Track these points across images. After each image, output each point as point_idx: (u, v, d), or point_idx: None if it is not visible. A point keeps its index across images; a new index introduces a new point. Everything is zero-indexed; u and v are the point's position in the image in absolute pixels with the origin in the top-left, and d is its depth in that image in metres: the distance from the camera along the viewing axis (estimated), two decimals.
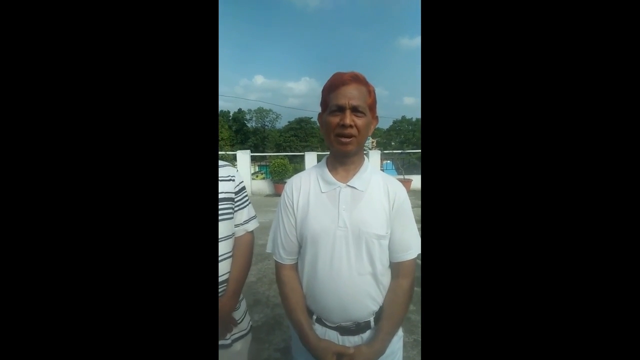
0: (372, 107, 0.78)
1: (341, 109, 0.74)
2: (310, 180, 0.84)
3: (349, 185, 0.79)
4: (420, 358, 1.71)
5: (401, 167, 8.66)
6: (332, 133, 0.76)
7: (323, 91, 0.80)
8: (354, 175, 0.80)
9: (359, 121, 0.75)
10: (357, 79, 0.75)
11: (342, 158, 0.80)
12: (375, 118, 0.82)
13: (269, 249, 0.88)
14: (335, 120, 0.75)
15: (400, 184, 0.84)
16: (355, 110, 0.74)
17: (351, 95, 0.73)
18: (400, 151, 8.73)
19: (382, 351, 0.75)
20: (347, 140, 0.75)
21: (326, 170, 0.82)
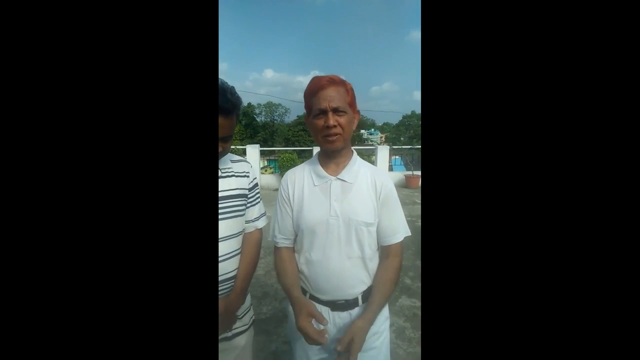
0: (352, 104, 0.85)
1: (323, 112, 0.81)
2: (304, 175, 0.92)
3: (338, 178, 0.87)
4: None
5: (410, 163, 8.57)
6: (319, 134, 0.84)
7: (305, 97, 0.86)
8: (343, 168, 0.88)
9: (342, 120, 0.81)
10: (334, 82, 0.81)
11: (331, 153, 0.88)
12: (357, 112, 0.89)
13: (270, 237, 0.95)
14: (320, 122, 0.82)
15: (386, 175, 0.91)
16: (336, 111, 0.80)
17: (330, 97, 0.80)
18: (409, 147, 8.63)
19: (373, 320, 0.82)
20: (334, 138, 0.82)
21: (318, 165, 0.90)
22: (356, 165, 0.89)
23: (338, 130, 0.81)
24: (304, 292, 0.90)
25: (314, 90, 0.82)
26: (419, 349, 1.80)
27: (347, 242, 0.84)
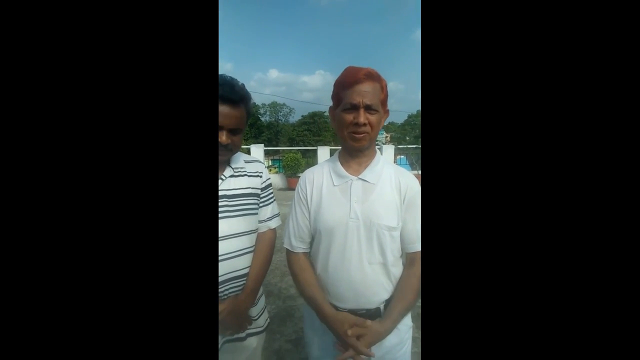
0: (384, 102, 0.80)
1: (355, 107, 0.75)
2: (323, 174, 0.86)
3: (360, 178, 0.81)
4: None
5: (415, 162, 8.54)
6: (345, 130, 0.78)
7: (336, 86, 0.80)
8: (365, 168, 0.82)
9: (372, 118, 0.76)
10: (371, 76, 0.76)
11: (354, 152, 0.82)
12: (386, 112, 0.83)
13: (285, 243, 0.90)
14: (349, 117, 0.76)
15: (413, 177, 0.85)
16: (368, 108, 0.75)
17: (365, 93, 0.74)
18: (414, 146, 8.61)
19: (391, 330, 0.78)
20: (361, 136, 0.77)
21: (338, 164, 0.84)
22: (379, 164, 0.83)
23: (367, 129, 0.76)
24: None
25: (348, 83, 0.76)
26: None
27: (367, 246, 0.78)
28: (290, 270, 0.89)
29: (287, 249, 0.89)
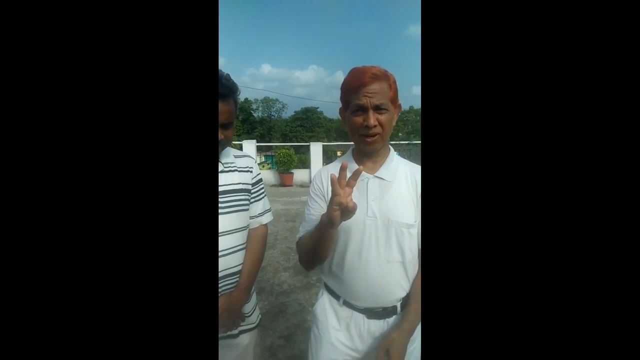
0: (394, 99, 0.78)
1: (363, 109, 0.74)
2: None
3: (376, 176, 0.81)
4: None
5: (408, 159, 8.62)
6: (356, 133, 0.78)
7: (342, 88, 0.80)
8: (380, 166, 0.82)
9: (383, 118, 0.75)
10: (377, 77, 0.74)
11: (368, 151, 0.81)
12: (398, 106, 0.82)
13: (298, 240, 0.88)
14: (358, 120, 0.76)
15: None
16: (377, 108, 0.74)
17: (372, 94, 0.73)
18: (407, 142, 8.67)
19: (411, 332, 0.77)
20: (372, 139, 0.76)
21: (353, 162, 0.84)
22: (394, 162, 0.84)
23: (378, 130, 0.75)
24: (337, 297, 0.85)
25: (354, 86, 0.75)
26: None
27: (386, 245, 0.78)
28: (298, 247, 0.85)
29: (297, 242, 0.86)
